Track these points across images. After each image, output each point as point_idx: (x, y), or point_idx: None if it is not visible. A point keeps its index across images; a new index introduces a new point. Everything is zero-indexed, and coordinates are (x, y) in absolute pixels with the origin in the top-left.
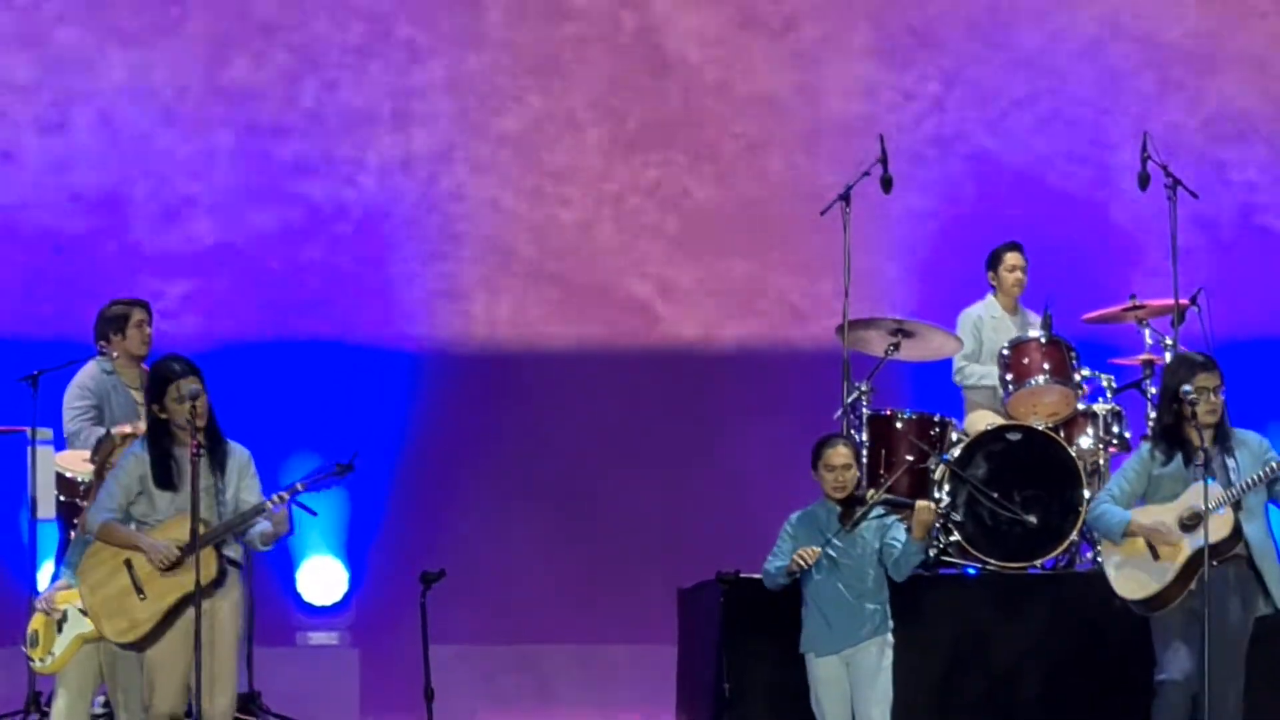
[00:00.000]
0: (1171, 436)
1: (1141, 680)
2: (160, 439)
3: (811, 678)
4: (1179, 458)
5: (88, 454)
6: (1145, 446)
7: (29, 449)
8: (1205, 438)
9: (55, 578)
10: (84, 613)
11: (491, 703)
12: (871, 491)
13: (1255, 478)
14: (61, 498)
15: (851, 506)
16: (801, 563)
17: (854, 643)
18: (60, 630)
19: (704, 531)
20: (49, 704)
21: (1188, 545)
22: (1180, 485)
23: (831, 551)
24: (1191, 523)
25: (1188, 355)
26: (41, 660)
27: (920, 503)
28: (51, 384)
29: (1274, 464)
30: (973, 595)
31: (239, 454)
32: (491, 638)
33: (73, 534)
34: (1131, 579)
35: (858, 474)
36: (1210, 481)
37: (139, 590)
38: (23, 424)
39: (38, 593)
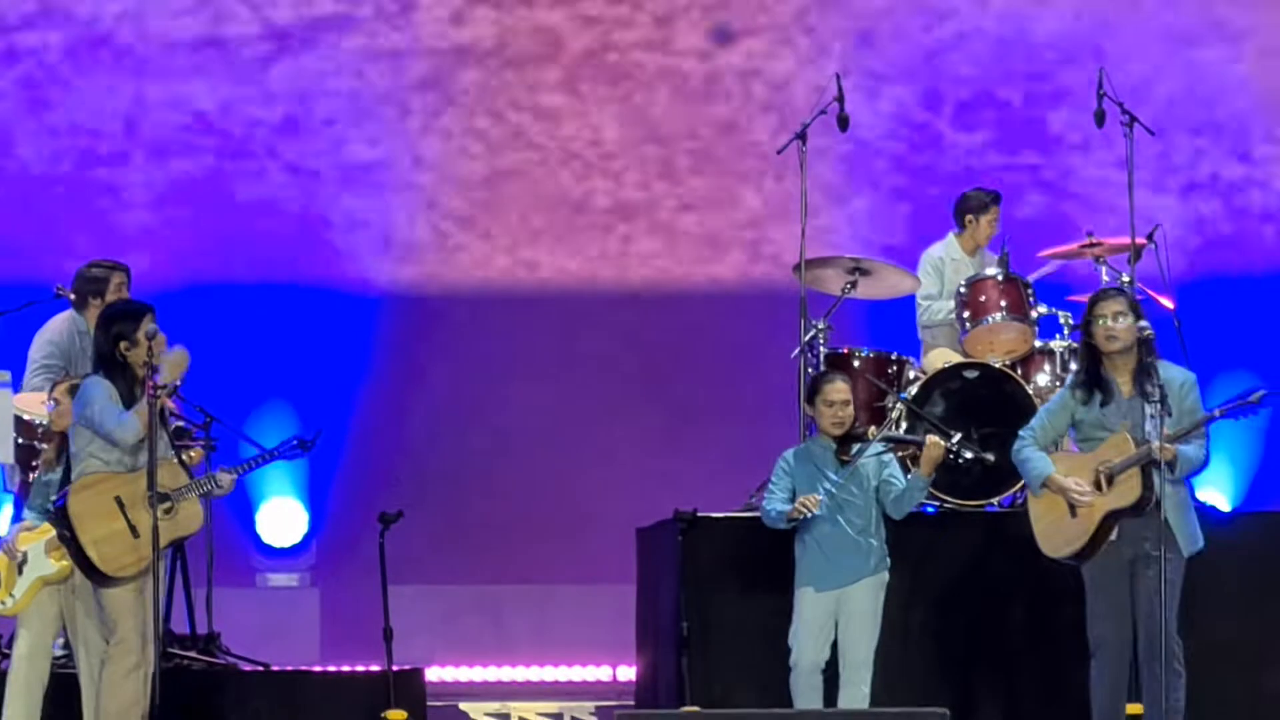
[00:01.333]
0: (1090, 376)
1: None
2: (124, 379)
3: (797, 612)
4: (1097, 399)
5: (45, 396)
6: (1067, 385)
7: None
8: (1115, 368)
9: (15, 519)
10: (47, 550)
11: (450, 642)
12: (873, 429)
13: (1169, 435)
14: (20, 440)
15: (847, 443)
16: (805, 510)
17: (854, 579)
18: (21, 572)
19: (662, 471)
20: (9, 646)
21: (1100, 506)
22: (1100, 431)
23: (829, 486)
24: (1104, 479)
25: (1102, 287)
26: (2, 602)
27: (930, 438)
28: (8, 326)
29: (1190, 420)
30: (931, 533)
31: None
32: (450, 578)
33: (32, 476)
34: (1053, 536)
35: (854, 411)
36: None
37: (133, 529)
38: None
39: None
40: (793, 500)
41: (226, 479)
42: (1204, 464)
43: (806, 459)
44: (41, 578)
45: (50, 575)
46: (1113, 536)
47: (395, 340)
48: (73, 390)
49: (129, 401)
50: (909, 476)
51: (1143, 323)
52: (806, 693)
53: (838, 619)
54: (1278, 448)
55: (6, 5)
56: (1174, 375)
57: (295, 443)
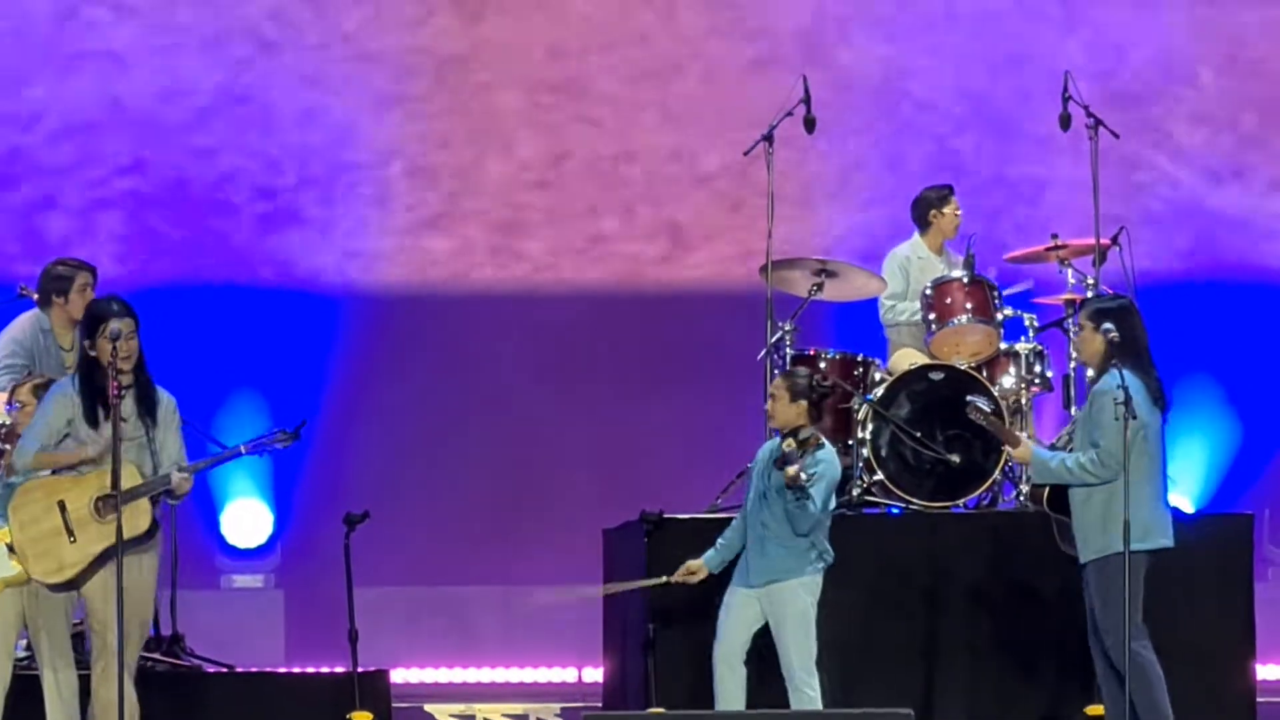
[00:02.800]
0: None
1: (1063, 619)
2: (92, 377)
3: (724, 600)
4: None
5: (5, 396)
6: None
7: None
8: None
9: None
10: (11, 551)
11: (415, 645)
12: (788, 441)
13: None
14: None
15: (796, 439)
16: (685, 577)
17: (769, 579)
18: None
19: (629, 472)
20: None
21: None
22: None
23: (763, 488)
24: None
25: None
26: None
27: (788, 470)
28: None
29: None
30: (896, 535)
31: (166, 402)
32: (415, 579)
33: None
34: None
35: (791, 406)
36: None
37: (70, 532)
38: None
39: None
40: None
41: (178, 477)
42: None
43: (766, 455)
44: (3, 579)
45: (11, 577)
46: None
47: (360, 341)
48: (36, 390)
49: (94, 404)
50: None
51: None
52: (723, 682)
53: (768, 620)
54: (1240, 450)
55: None
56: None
57: (276, 435)
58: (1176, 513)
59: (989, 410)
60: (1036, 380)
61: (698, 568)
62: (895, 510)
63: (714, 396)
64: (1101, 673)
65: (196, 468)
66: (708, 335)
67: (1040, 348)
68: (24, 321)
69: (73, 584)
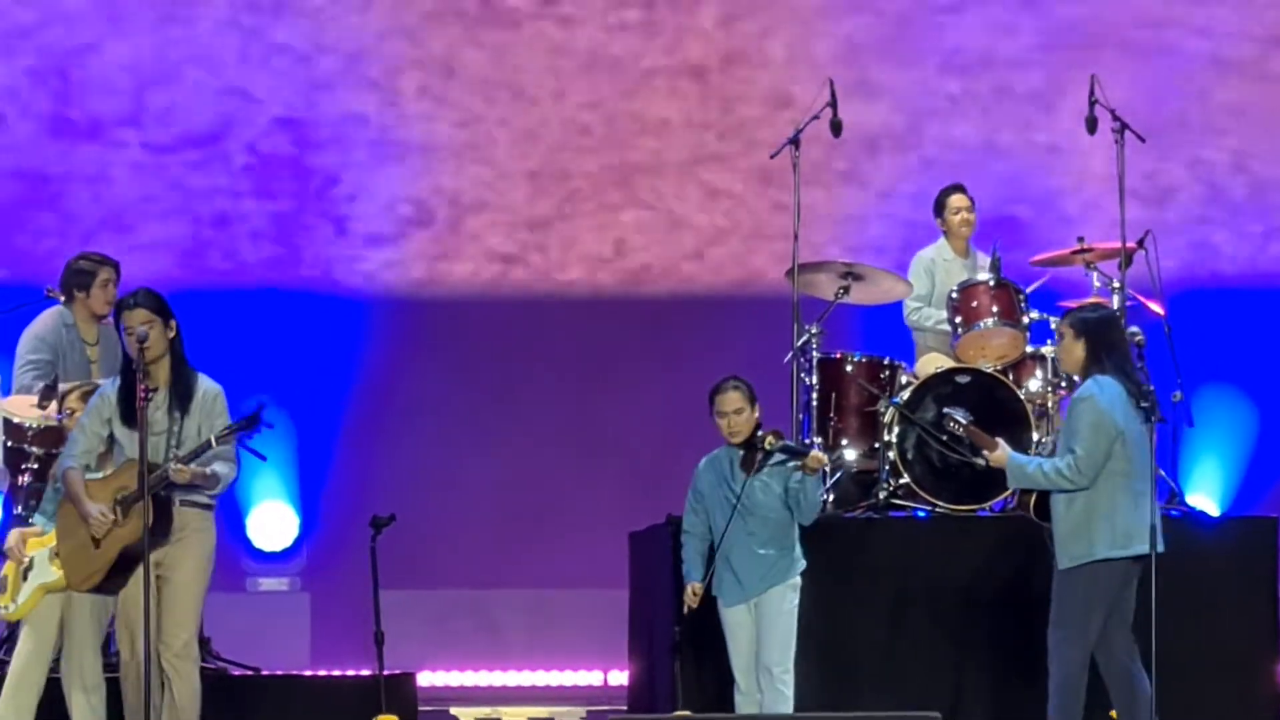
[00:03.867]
0: None
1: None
2: (126, 376)
3: (723, 622)
4: None
5: (35, 399)
6: None
7: None
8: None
9: (4, 523)
10: (51, 557)
11: (442, 647)
12: (769, 437)
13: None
14: (9, 443)
15: (753, 451)
16: (688, 603)
17: (760, 591)
18: (26, 578)
19: (655, 476)
20: (6, 653)
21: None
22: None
23: (731, 498)
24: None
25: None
26: (5, 607)
27: (813, 453)
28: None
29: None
30: (922, 538)
31: (204, 393)
32: (442, 582)
33: (21, 479)
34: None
35: (753, 416)
36: None
37: (95, 542)
38: None
39: None
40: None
41: (174, 468)
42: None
43: (715, 469)
44: (43, 585)
45: (51, 584)
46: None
47: (386, 343)
48: (85, 397)
49: (130, 401)
50: (799, 478)
51: (1134, 328)
52: (753, 696)
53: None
54: (1265, 453)
55: None
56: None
57: (238, 424)
58: (1201, 516)
59: (965, 421)
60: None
61: (700, 589)
62: (921, 513)
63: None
64: (1107, 680)
65: (185, 457)
66: (735, 339)
67: None
68: (47, 317)
69: (100, 589)
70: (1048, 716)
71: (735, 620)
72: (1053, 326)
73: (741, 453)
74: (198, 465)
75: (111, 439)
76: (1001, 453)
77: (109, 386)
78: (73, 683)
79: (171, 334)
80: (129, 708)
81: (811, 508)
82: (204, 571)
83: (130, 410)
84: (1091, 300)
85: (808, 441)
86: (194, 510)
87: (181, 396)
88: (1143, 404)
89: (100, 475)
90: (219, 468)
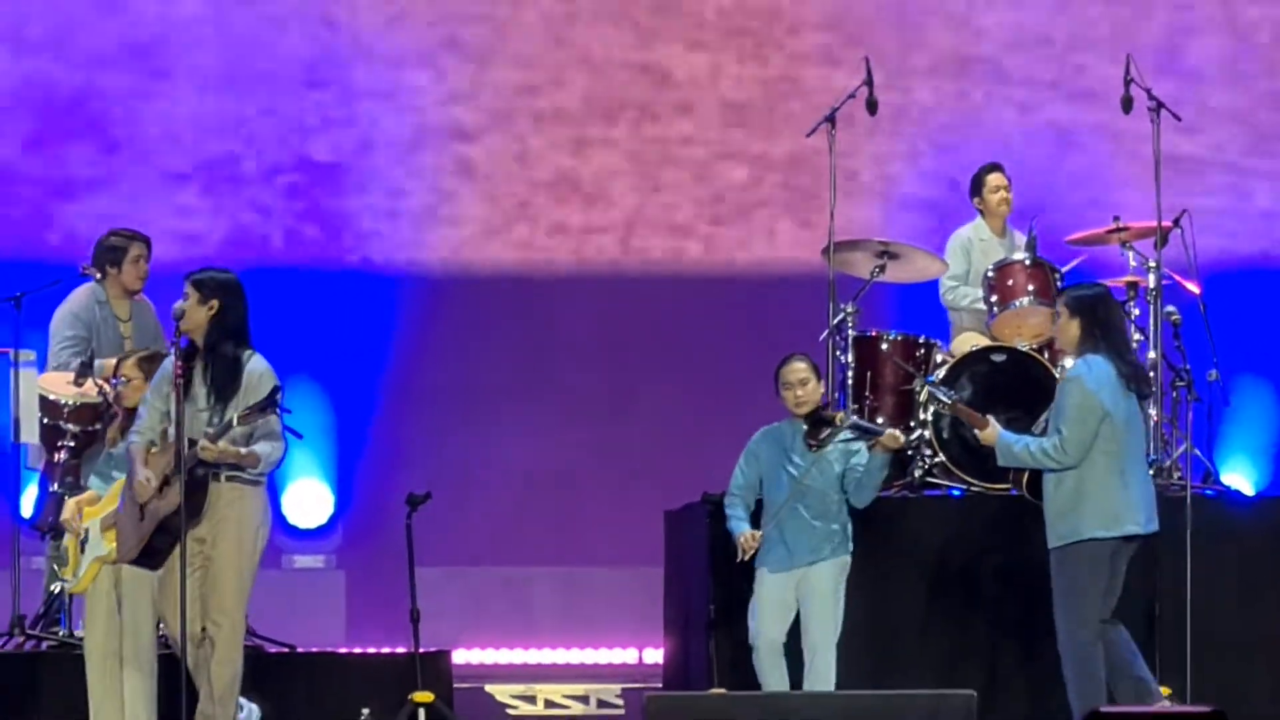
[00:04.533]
0: None
1: (1126, 600)
2: (189, 351)
3: (755, 590)
4: None
5: (71, 376)
6: None
7: (11, 371)
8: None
9: (41, 500)
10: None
11: (477, 625)
12: (840, 414)
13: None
14: (45, 420)
15: (818, 424)
16: (745, 548)
17: (808, 563)
18: (83, 550)
19: (690, 453)
20: (34, 626)
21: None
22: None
23: (792, 469)
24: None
25: None
26: (68, 580)
27: (889, 431)
28: (35, 305)
29: None
30: (958, 516)
31: (252, 372)
32: (477, 560)
33: (57, 456)
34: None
35: (820, 388)
36: None
37: (141, 513)
38: (6, 345)
39: (21, 517)
40: (758, 488)
41: (201, 444)
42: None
43: (775, 441)
44: (98, 558)
45: (103, 556)
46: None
47: (421, 321)
48: (141, 364)
49: (187, 377)
50: (869, 460)
51: (1170, 308)
52: (769, 671)
53: (798, 600)
54: None
55: None
56: None
57: (257, 404)
58: (1235, 495)
59: (946, 399)
60: None
61: (758, 536)
62: (957, 492)
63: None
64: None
65: (212, 434)
66: (769, 317)
67: None
68: (81, 294)
69: (138, 562)
70: (1069, 701)
71: (772, 593)
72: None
73: (805, 426)
74: (227, 443)
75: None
76: (992, 431)
77: (168, 362)
78: (127, 661)
79: (211, 311)
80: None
81: (872, 490)
82: (245, 547)
83: (186, 385)
84: (1122, 279)
85: (881, 422)
86: (236, 486)
87: (217, 375)
88: (1133, 385)
89: (156, 450)
90: (261, 447)
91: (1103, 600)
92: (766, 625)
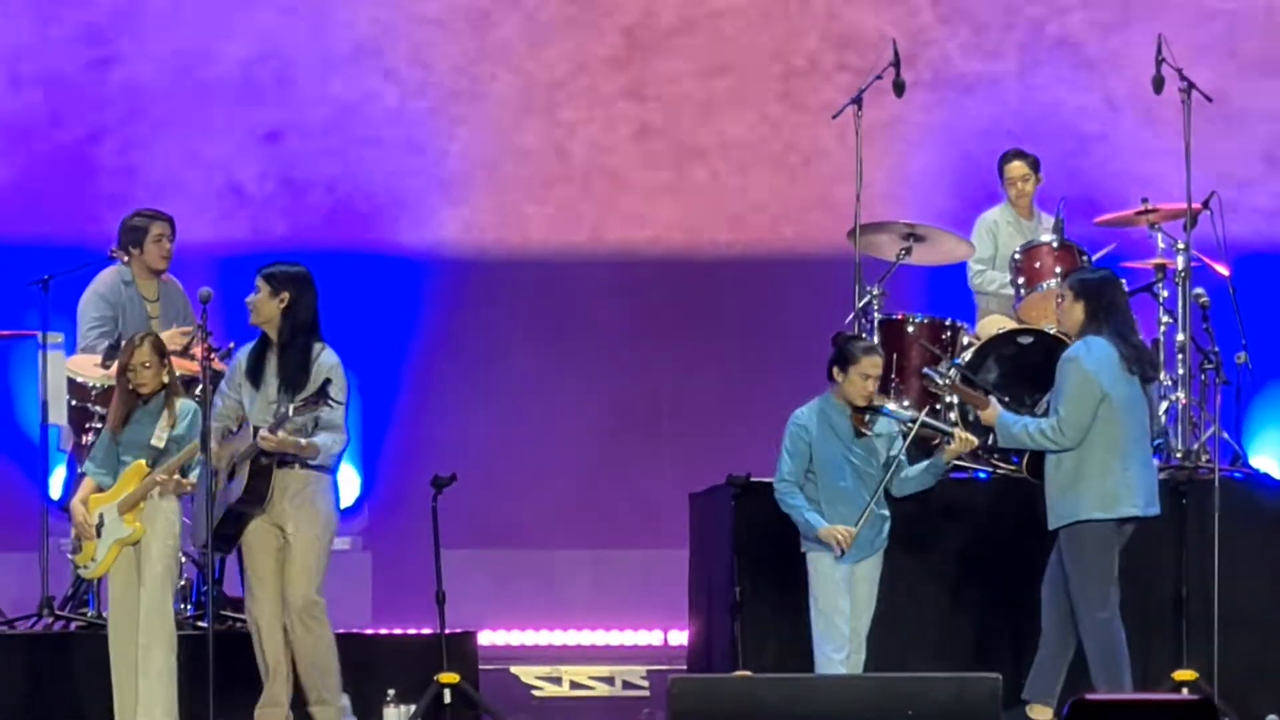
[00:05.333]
0: None
1: (1153, 584)
2: (262, 339)
3: (825, 580)
4: None
5: (99, 358)
6: None
7: (40, 353)
8: None
9: (69, 482)
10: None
11: (502, 607)
12: (911, 412)
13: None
14: (73, 402)
15: (862, 412)
16: (837, 545)
17: (871, 552)
18: (99, 535)
19: (716, 435)
20: (63, 607)
21: None
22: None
23: (853, 459)
24: None
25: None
26: (86, 566)
27: (960, 434)
28: (63, 288)
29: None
30: (984, 499)
31: (321, 365)
32: (503, 541)
33: (85, 438)
34: None
35: None
36: None
37: (213, 497)
38: (34, 328)
39: (50, 499)
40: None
41: (261, 434)
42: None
43: (827, 427)
44: (119, 540)
45: (125, 538)
46: None
47: (447, 304)
48: (160, 349)
49: (256, 361)
50: (931, 460)
51: (1198, 290)
52: (835, 659)
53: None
54: None
55: None
56: None
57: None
58: (1264, 478)
59: (944, 381)
60: None
61: (854, 531)
62: (983, 475)
63: (800, 360)
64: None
65: (270, 425)
66: (795, 299)
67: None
68: (107, 275)
69: (215, 544)
70: (1092, 682)
71: (832, 570)
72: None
73: (849, 411)
74: (286, 433)
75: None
76: (992, 411)
77: (242, 351)
78: (147, 640)
79: (282, 304)
80: (261, 663)
81: (921, 486)
82: (316, 531)
83: (254, 370)
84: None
85: (955, 421)
86: (306, 473)
87: (286, 367)
88: (1135, 368)
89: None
90: (321, 438)
91: None
92: (843, 612)
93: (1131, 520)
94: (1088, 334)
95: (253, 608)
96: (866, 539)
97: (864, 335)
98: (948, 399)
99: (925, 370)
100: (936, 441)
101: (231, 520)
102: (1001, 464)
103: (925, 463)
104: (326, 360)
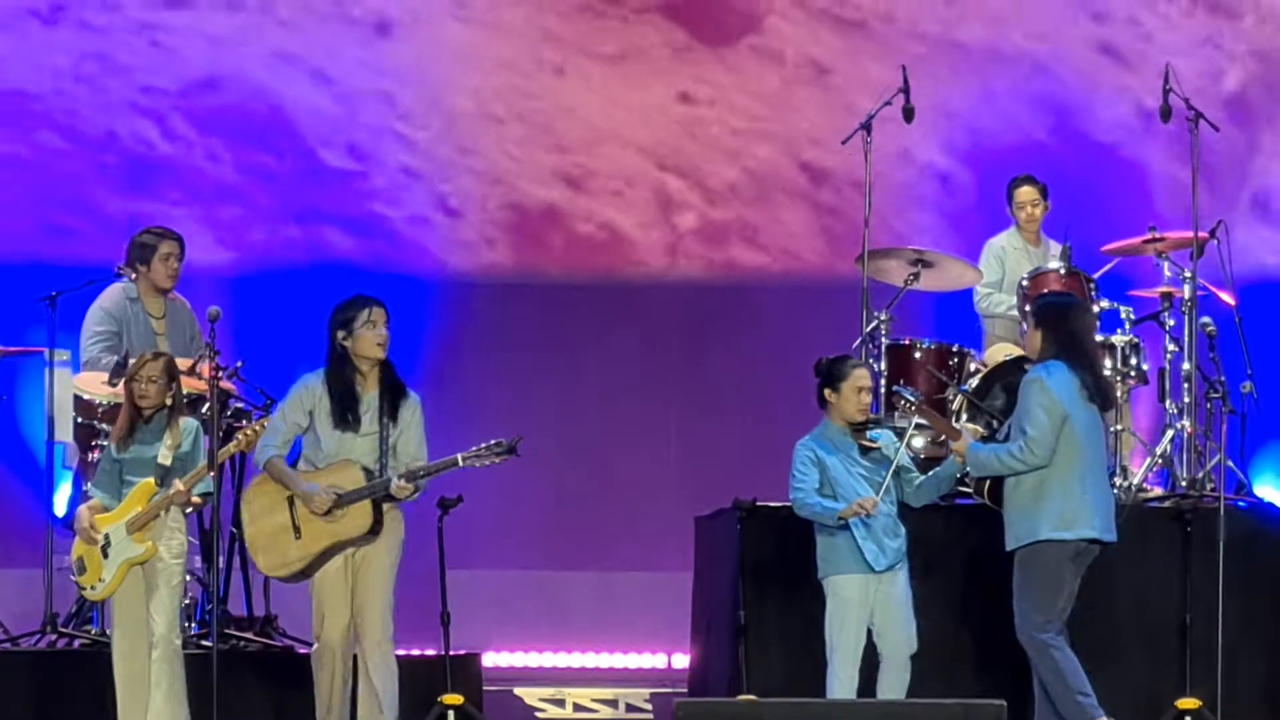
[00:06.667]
0: None
1: (1156, 611)
2: (343, 373)
3: (840, 600)
4: None
5: (105, 376)
6: None
7: (46, 370)
8: None
9: (74, 499)
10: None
11: (506, 628)
12: (902, 416)
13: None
14: (79, 419)
15: (862, 428)
16: (864, 511)
17: (896, 562)
18: (106, 555)
19: (721, 459)
20: (67, 624)
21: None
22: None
23: (865, 472)
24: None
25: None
26: (92, 588)
27: (971, 427)
28: (70, 305)
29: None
30: (989, 525)
31: (411, 401)
32: (507, 563)
33: (91, 455)
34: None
35: None
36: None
37: (296, 530)
38: (40, 345)
39: (55, 516)
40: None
41: (396, 485)
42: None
43: (832, 447)
44: (127, 560)
45: (136, 557)
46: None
47: (453, 325)
48: (171, 368)
49: (345, 402)
50: (935, 470)
51: (1205, 319)
52: (848, 684)
53: (874, 607)
54: None
55: None
56: None
57: (488, 447)
58: (1269, 507)
59: (914, 400)
60: (1132, 373)
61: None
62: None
63: (807, 385)
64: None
65: (417, 475)
66: (802, 323)
67: (1136, 340)
68: (113, 291)
69: (292, 580)
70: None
71: (860, 596)
72: (1123, 316)
73: (849, 430)
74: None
75: (308, 430)
76: (962, 443)
77: (316, 377)
78: (156, 656)
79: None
80: (319, 689)
81: (935, 493)
82: (394, 562)
83: (341, 413)
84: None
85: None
86: (394, 507)
87: (391, 403)
88: (1096, 397)
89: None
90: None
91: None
92: (854, 635)
93: (1089, 543)
94: (1047, 359)
95: (326, 637)
96: (893, 549)
97: (847, 355)
98: (915, 420)
99: (895, 387)
100: (941, 440)
101: (330, 554)
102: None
103: (935, 470)
104: (413, 397)
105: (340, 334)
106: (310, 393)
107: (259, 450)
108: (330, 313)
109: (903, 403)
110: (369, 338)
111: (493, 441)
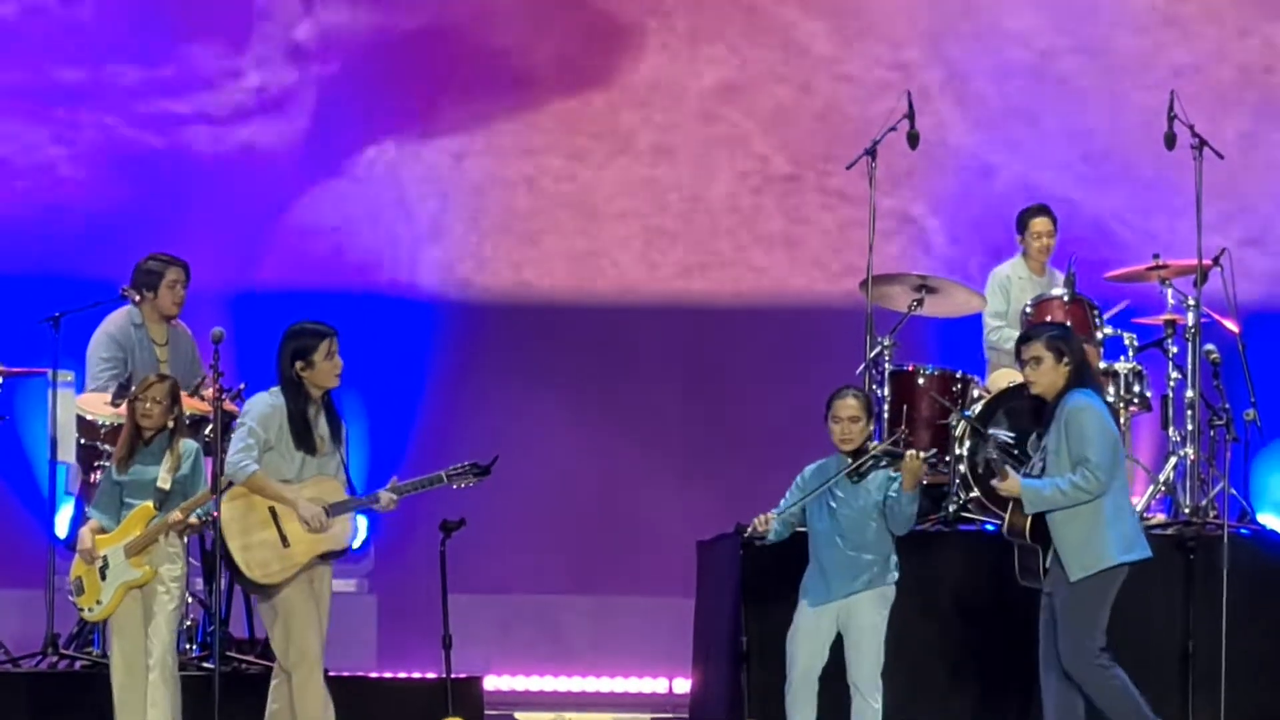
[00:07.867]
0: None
1: (1159, 638)
2: (298, 401)
3: (794, 622)
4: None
5: (109, 396)
6: None
7: (50, 391)
8: None
9: (76, 520)
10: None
11: (508, 652)
12: (874, 443)
13: None
14: (82, 440)
15: (854, 457)
16: (759, 528)
17: (846, 594)
18: (104, 577)
19: (723, 484)
20: (68, 645)
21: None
22: None
23: (832, 502)
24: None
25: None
26: (90, 609)
27: (909, 453)
28: (73, 325)
29: None
30: (991, 551)
31: (343, 426)
32: (509, 587)
33: (94, 476)
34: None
35: (868, 428)
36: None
37: (284, 540)
38: (44, 365)
39: (56, 537)
40: (800, 517)
41: (386, 497)
42: None
43: (821, 474)
44: (125, 583)
45: (134, 580)
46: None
47: (457, 347)
48: (175, 391)
49: (304, 425)
50: (894, 492)
51: (1209, 346)
52: (799, 702)
53: (841, 633)
54: None
55: None
56: None
57: (468, 467)
58: (1271, 535)
59: (994, 454)
60: (1135, 400)
61: (772, 519)
62: (991, 527)
63: (811, 410)
64: (1057, 699)
65: (404, 490)
66: (806, 349)
67: (1139, 367)
68: (118, 316)
69: (273, 590)
70: None
71: (811, 624)
72: (1126, 343)
73: (850, 461)
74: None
75: (270, 450)
76: (1013, 480)
77: (274, 398)
78: (153, 678)
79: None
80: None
81: (904, 519)
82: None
83: (301, 436)
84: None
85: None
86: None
87: (335, 427)
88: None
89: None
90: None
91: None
92: (799, 657)
93: (1144, 563)
94: (1073, 387)
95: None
96: (841, 582)
97: (845, 385)
98: (957, 450)
99: (990, 431)
100: (898, 468)
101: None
102: (1001, 511)
103: (895, 495)
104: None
105: (298, 364)
106: (277, 411)
107: (237, 467)
108: (281, 339)
109: (993, 445)
110: (328, 369)
111: (468, 463)
